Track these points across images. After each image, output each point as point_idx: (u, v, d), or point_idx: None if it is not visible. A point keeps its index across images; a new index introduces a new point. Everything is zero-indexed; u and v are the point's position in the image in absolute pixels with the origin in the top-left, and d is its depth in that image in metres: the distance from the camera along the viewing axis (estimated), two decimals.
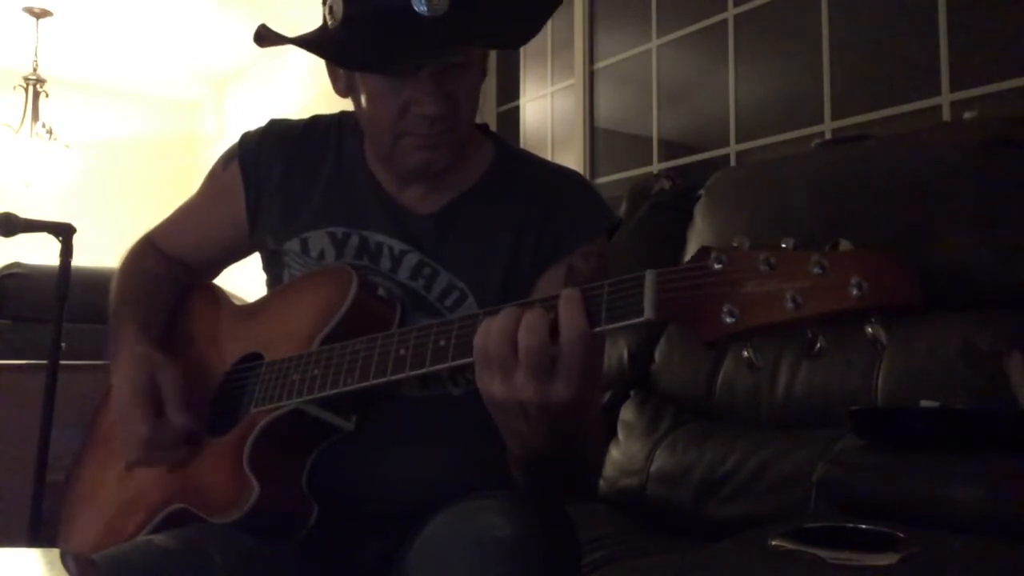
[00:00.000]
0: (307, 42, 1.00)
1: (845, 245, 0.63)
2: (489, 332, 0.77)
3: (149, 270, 1.21)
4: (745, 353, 0.68)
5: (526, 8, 0.98)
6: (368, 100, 1.00)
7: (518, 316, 0.76)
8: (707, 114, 2.71)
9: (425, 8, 0.90)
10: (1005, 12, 1.96)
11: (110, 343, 1.11)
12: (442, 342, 0.83)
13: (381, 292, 1.02)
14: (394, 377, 0.87)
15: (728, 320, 0.65)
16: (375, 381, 0.88)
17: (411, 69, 0.93)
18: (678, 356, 1.82)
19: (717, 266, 0.67)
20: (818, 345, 0.65)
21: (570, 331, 0.74)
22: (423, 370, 0.84)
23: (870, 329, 0.62)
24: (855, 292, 0.60)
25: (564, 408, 0.76)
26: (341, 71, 1.04)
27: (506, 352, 0.75)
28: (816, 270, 0.62)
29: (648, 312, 0.69)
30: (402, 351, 0.87)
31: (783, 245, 0.65)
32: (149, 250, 1.24)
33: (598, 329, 0.74)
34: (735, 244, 0.67)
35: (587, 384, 0.76)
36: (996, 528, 0.99)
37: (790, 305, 0.63)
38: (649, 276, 0.71)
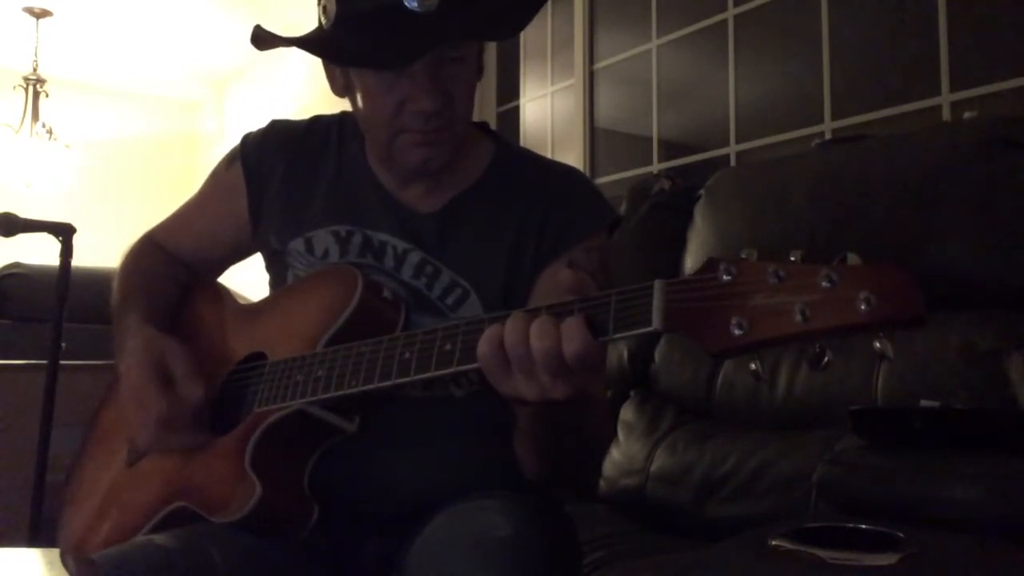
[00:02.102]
0: (302, 41, 1.00)
1: (853, 259, 0.63)
2: (496, 338, 0.76)
3: (150, 268, 1.21)
4: (752, 365, 0.68)
5: (516, 1, 0.99)
6: (364, 98, 1.01)
7: (528, 320, 0.75)
8: (707, 114, 2.71)
9: (416, 4, 0.90)
10: (1005, 12, 1.96)
11: (114, 340, 1.11)
12: (448, 346, 0.83)
13: (386, 294, 1.02)
14: (399, 381, 0.87)
15: (737, 332, 0.65)
16: (380, 384, 0.88)
17: (403, 62, 0.94)
18: (678, 356, 1.82)
19: (726, 277, 0.67)
20: (826, 359, 0.65)
21: (573, 351, 0.73)
22: (428, 374, 0.84)
23: (878, 344, 0.62)
24: (863, 307, 0.60)
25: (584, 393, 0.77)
26: (338, 71, 1.04)
27: (523, 353, 0.74)
28: (825, 284, 0.62)
29: (656, 322, 0.69)
30: (407, 355, 0.86)
31: (791, 258, 0.65)
32: (150, 249, 1.24)
33: (604, 339, 0.73)
34: (743, 255, 0.67)
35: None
36: (996, 528, 0.99)
37: (799, 318, 0.63)
38: (658, 286, 0.71)
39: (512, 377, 0.76)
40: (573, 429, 0.90)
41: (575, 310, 0.74)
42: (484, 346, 0.76)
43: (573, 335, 0.72)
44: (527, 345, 0.74)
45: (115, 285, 1.19)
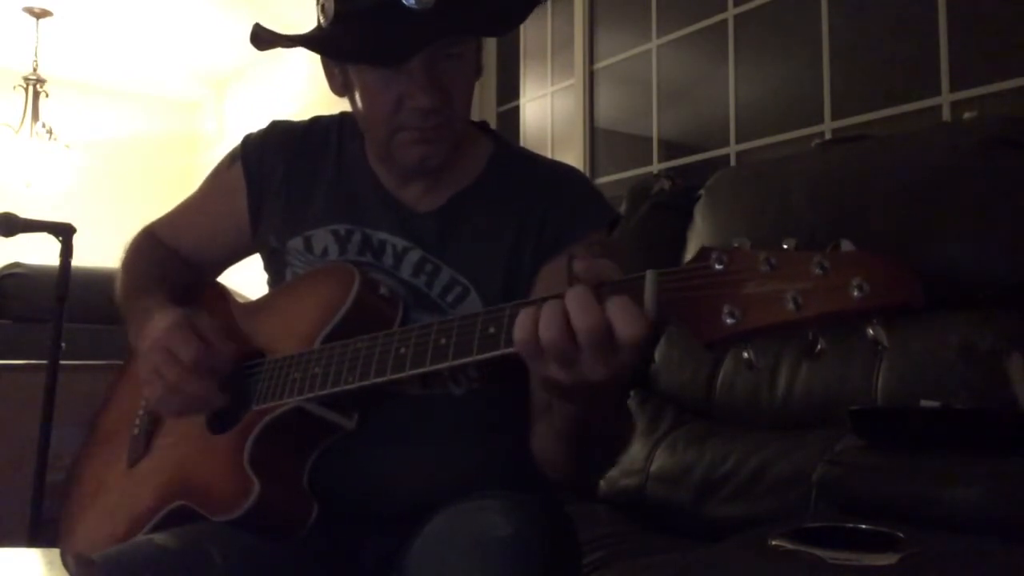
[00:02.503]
0: (301, 40, 1.01)
1: (846, 245, 0.63)
2: (529, 324, 0.72)
3: (154, 259, 1.22)
4: (745, 354, 0.68)
5: None
6: (362, 96, 1.01)
7: (561, 305, 0.71)
8: (707, 114, 2.71)
9: (414, 1, 0.91)
10: (1005, 12, 1.96)
11: (129, 323, 1.10)
12: (443, 341, 0.83)
13: (383, 291, 1.02)
14: (395, 376, 0.87)
15: (729, 321, 0.65)
16: (376, 380, 0.88)
17: (401, 59, 0.94)
18: (678, 356, 1.82)
19: (718, 266, 0.67)
20: (819, 346, 0.64)
21: (582, 322, 0.70)
22: (423, 369, 0.84)
23: (871, 331, 0.62)
24: (856, 293, 0.60)
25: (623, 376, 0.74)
26: (336, 69, 1.05)
27: (564, 340, 0.70)
28: (817, 271, 0.62)
29: (649, 313, 0.69)
30: (403, 350, 0.87)
31: (784, 246, 0.65)
32: (152, 243, 1.25)
33: None
34: (736, 244, 0.67)
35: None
36: (996, 528, 0.99)
37: (791, 306, 0.62)
38: (649, 276, 0.70)
39: (570, 360, 0.72)
40: (610, 424, 0.90)
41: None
42: (519, 332, 0.73)
43: (625, 313, 0.68)
44: (569, 329, 0.70)
45: (121, 274, 1.19)
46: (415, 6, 0.91)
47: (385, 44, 0.94)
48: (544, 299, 0.74)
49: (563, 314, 0.70)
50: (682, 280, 0.68)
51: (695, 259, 0.69)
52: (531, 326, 0.72)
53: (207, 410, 1.02)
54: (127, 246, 1.24)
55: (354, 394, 0.93)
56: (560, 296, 0.72)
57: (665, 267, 0.71)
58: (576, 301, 0.70)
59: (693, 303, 0.67)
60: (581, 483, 1.06)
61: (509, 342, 0.75)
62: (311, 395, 0.94)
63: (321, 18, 1.00)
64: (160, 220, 1.27)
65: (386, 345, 0.89)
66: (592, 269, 0.73)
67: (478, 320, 0.80)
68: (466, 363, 0.81)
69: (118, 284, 1.19)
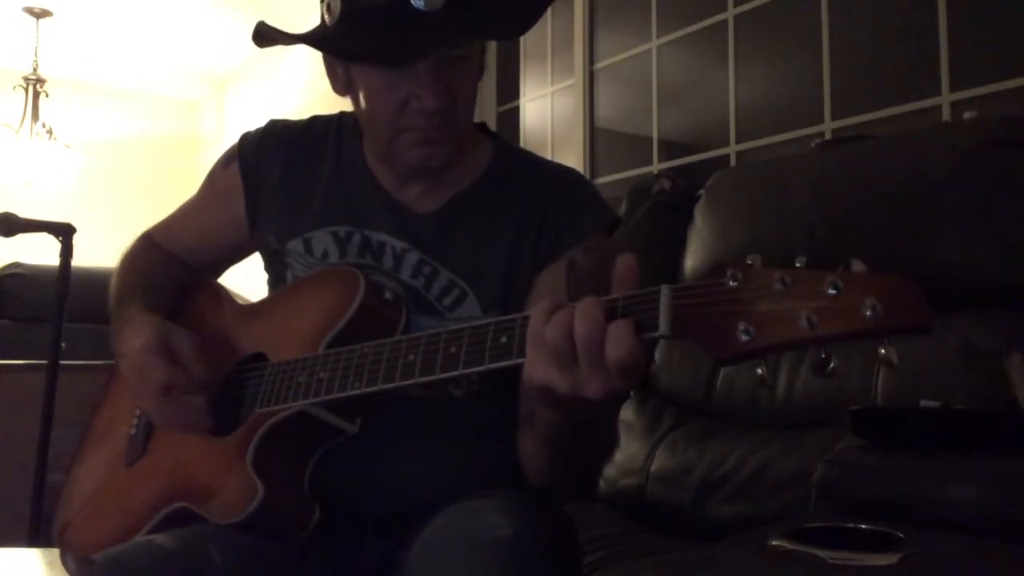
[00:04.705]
0: (306, 38, 1.00)
1: (857, 266, 0.63)
2: (542, 317, 0.73)
3: (149, 266, 1.21)
4: (759, 371, 0.68)
5: (521, 2, 1.00)
6: (366, 96, 1.01)
7: (571, 311, 0.72)
8: (707, 114, 2.71)
9: (422, 2, 0.91)
10: (1005, 12, 1.96)
11: (114, 332, 1.10)
12: (453, 349, 0.82)
13: (387, 295, 1.02)
14: (403, 383, 0.86)
15: (744, 338, 0.65)
16: (383, 386, 0.88)
17: (410, 60, 0.94)
18: (678, 356, 1.82)
19: (732, 283, 0.67)
20: (831, 365, 0.65)
21: (583, 325, 0.70)
22: (433, 377, 0.84)
23: (883, 350, 0.62)
24: (869, 313, 0.60)
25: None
26: (339, 69, 1.04)
27: (564, 342, 0.71)
28: (831, 290, 0.62)
29: (663, 328, 0.69)
30: (411, 357, 0.86)
31: (796, 264, 0.66)
32: (149, 247, 1.24)
33: None
34: (749, 261, 0.67)
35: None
36: (996, 528, 0.99)
37: (804, 324, 0.63)
38: (665, 292, 0.70)
39: (568, 368, 0.72)
40: (595, 437, 0.89)
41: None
42: (534, 319, 0.73)
43: (617, 332, 0.69)
44: (571, 335, 0.71)
45: (113, 282, 1.19)
46: (423, 7, 0.91)
47: (393, 45, 0.94)
48: (562, 304, 0.74)
49: (571, 319, 0.71)
50: (697, 296, 0.69)
51: (709, 275, 0.69)
52: (543, 319, 0.73)
53: (196, 429, 1.03)
54: (124, 251, 1.24)
55: (358, 399, 0.92)
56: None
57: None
58: (581, 309, 0.71)
59: (708, 319, 0.67)
60: (565, 490, 1.05)
61: (521, 352, 0.75)
62: (317, 399, 0.94)
63: (326, 17, 0.99)
64: (158, 225, 1.27)
65: (394, 352, 0.88)
66: (594, 275, 0.73)
67: (489, 329, 0.80)
68: (477, 372, 0.80)
69: (112, 288, 1.18)
